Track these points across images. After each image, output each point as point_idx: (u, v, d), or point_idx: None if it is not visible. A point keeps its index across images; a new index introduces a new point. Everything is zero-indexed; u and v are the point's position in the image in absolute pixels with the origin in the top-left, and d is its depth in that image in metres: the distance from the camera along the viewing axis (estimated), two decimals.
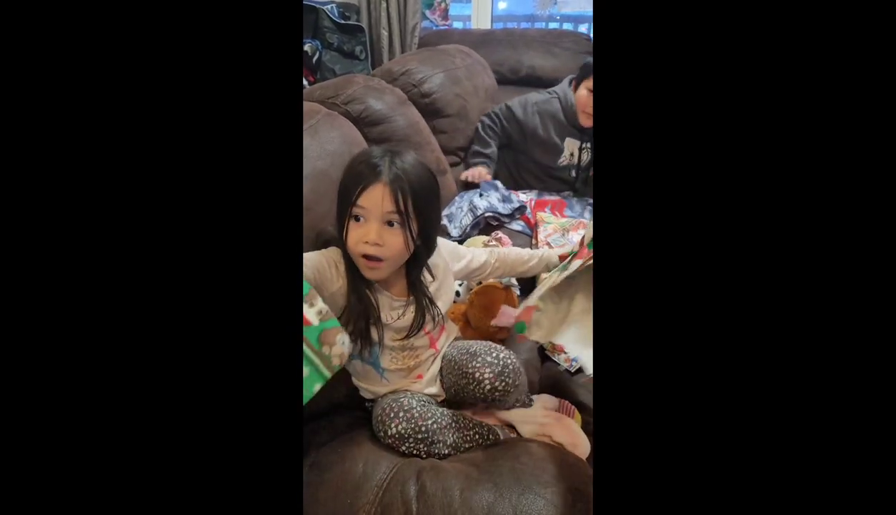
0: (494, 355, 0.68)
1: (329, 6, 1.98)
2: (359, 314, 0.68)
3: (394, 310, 0.71)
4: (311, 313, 0.54)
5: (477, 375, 0.66)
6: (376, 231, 0.64)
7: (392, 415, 0.67)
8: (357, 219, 0.65)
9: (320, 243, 0.72)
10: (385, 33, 2.13)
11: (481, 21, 2.32)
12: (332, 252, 0.69)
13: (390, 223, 0.64)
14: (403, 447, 0.66)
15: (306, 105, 0.90)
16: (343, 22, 2.01)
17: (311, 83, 1.99)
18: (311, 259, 0.67)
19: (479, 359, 0.67)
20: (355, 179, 0.64)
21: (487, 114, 1.44)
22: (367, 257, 0.65)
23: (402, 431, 0.65)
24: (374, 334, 0.70)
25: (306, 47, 1.92)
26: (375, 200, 0.63)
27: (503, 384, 0.66)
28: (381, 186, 0.63)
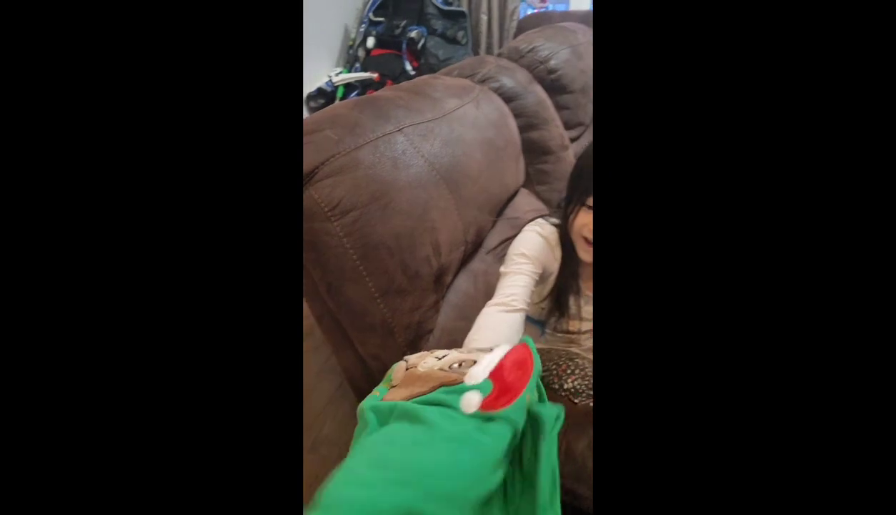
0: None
1: None
2: (565, 289, 0.74)
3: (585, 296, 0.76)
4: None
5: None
6: None
7: (568, 372, 0.73)
8: (590, 207, 0.67)
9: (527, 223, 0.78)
10: (485, 17, 2.18)
11: (579, 1, 2.31)
12: (550, 233, 0.75)
13: None
14: (577, 400, 0.72)
15: (461, 82, 0.97)
16: (447, 8, 2.08)
17: (415, 69, 2.08)
18: (537, 243, 0.73)
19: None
20: None
21: None
22: (588, 240, 0.69)
23: (578, 386, 0.71)
24: (573, 305, 0.75)
25: (413, 34, 2.01)
26: None
27: None
28: None
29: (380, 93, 0.80)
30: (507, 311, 0.66)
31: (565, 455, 0.65)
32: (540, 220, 0.77)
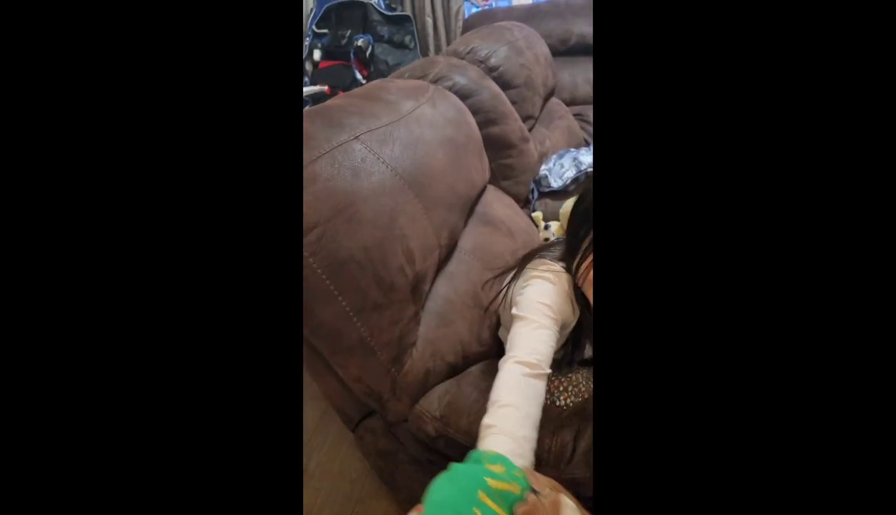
0: None
1: (376, 0, 2.03)
2: (579, 343, 0.70)
3: None
4: None
5: None
6: None
7: (561, 389, 0.70)
8: None
9: (522, 261, 0.71)
10: (430, 20, 2.17)
11: None
12: (568, 284, 0.65)
13: None
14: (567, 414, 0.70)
15: (414, 83, 0.94)
16: (390, 14, 2.05)
17: (364, 77, 2.05)
18: (559, 296, 0.64)
19: None
20: None
21: None
22: None
23: (570, 404, 0.69)
24: (587, 349, 0.72)
25: (360, 42, 1.98)
26: None
27: None
28: None
29: (330, 102, 0.76)
30: (534, 376, 0.58)
31: (559, 449, 0.64)
32: (549, 263, 0.67)
